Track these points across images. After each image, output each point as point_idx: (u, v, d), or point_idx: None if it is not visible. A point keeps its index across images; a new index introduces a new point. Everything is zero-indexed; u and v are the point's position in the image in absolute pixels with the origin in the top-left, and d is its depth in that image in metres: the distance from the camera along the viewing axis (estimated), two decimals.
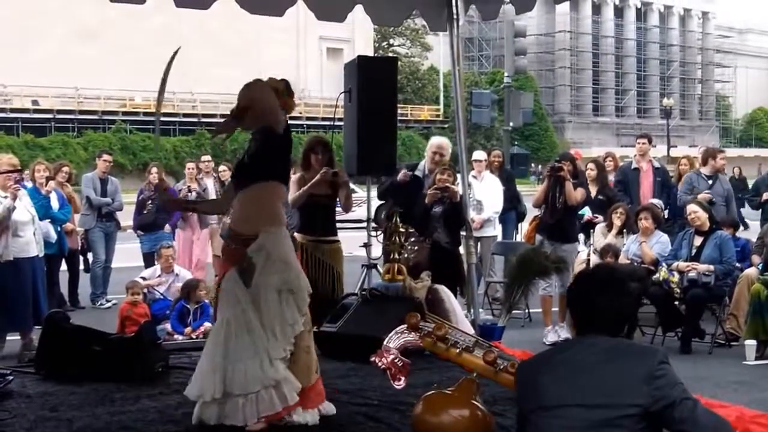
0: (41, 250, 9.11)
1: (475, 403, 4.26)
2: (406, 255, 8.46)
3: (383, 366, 4.46)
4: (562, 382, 3.35)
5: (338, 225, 8.50)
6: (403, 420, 5.41)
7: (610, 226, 10.77)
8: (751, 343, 8.77)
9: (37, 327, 8.54)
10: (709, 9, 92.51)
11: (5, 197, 8.53)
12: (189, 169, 12.92)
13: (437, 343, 4.45)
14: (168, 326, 9.13)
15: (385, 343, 4.53)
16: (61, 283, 11.51)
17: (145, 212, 12.37)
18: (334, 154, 8.30)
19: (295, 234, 8.36)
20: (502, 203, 11.83)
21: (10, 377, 6.63)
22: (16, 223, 8.60)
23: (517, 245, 11.58)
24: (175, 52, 6.02)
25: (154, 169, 12.81)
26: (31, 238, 8.84)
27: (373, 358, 4.50)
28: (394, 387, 4.56)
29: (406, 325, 4.54)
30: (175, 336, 9.02)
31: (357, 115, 8.29)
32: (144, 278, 10.06)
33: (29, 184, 10.02)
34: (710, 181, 11.23)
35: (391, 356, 4.46)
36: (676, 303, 9.29)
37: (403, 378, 4.49)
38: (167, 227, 12.51)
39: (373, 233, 9.05)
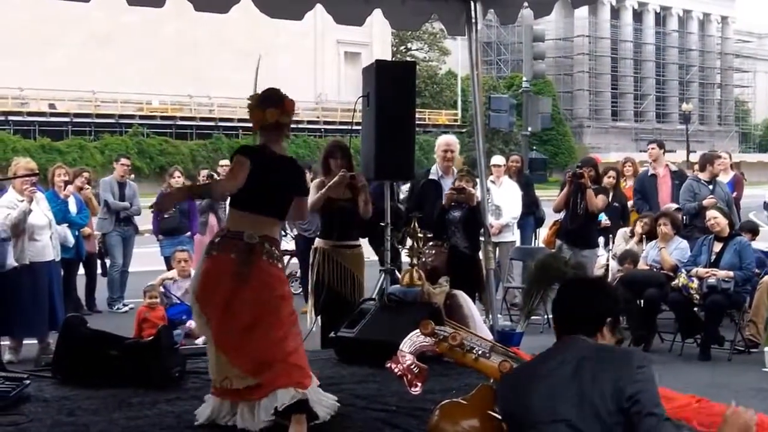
0: (58, 255, 9.14)
1: (492, 412, 4.21)
2: (424, 260, 8.43)
3: (399, 372, 4.42)
4: (551, 397, 3.34)
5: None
6: (421, 426, 5.37)
7: (633, 232, 10.75)
8: None
9: (53, 331, 8.58)
10: (728, 14, 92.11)
11: (21, 201, 8.56)
12: (202, 176, 12.94)
13: (453, 348, 4.41)
14: (189, 324, 9.14)
15: (400, 347, 4.49)
16: (78, 288, 11.54)
17: (167, 217, 12.36)
18: (353, 159, 8.30)
19: (316, 239, 8.37)
20: (520, 208, 11.81)
21: (27, 381, 6.62)
22: (32, 227, 8.64)
23: (536, 250, 11.56)
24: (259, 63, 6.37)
25: (177, 173, 12.81)
26: (47, 243, 8.87)
27: (388, 364, 4.46)
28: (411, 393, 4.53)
29: (419, 330, 4.51)
30: (197, 336, 9.04)
31: (375, 120, 8.26)
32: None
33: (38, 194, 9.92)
34: (710, 186, 11.13)
35: (407, 362, 4.41)
36: (696, 309, 9.24)
37: (419, 384, 4.45)
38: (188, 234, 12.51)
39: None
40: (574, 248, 9.78)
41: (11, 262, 8.44)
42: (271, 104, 5.66)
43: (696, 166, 12.18)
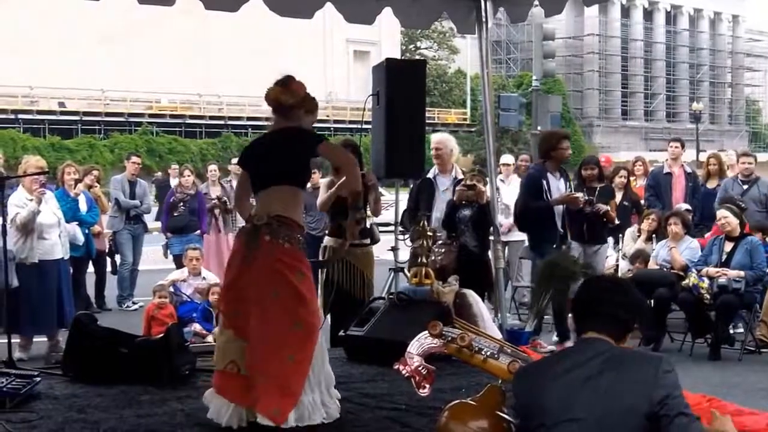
0: (66, 253, 9.15)
1: (500, 413, 4.21)
2: (433, 258, 8.42)
3: (407, 374, 4.43)
4: (565, 394, 3.30)
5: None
6: (431, 425, 5.37)
7: (640, 231, 10.71)
8: None
9: (62, 329, 8.61)
10: (739, 12, 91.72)
11: (30, 200, 8.57)
12: (211, 171, 12.93)
13: (462, 350, 4.41)
14: (194, 327, 9.15)
15: (408, 349, 4.49)
16: (87, 285, 11.56)
17: (176, 215, 12.38)
18: (363, 158, 8.30)
19: (326, 237, 8.36)
20: None
21: (38, 379, 6.64)
22: (41, 225, 8.65)
23: None
24: None
25: (186, 172, 12.81)
26: (56, 241, 8.88)
27: (396, 366, 4.47)
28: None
29: (427, 332, 4.50)
30: (204, 334, 9.06)
31: (385, 118, 8.25)
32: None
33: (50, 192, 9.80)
34: (745, 186, 11.07)
35: (415, 363, 4.42)
36: (706, 309, 9.20)
37: (428, 386, 4.45)
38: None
39: (401, 237, 9.02)
40: (583, 245, 9.76)
41: (16, 282, 8.45)
42: (276, 84, 5.65)
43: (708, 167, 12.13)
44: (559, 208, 9.28)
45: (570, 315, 3.78)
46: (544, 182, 9.12)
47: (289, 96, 5.59)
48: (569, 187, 9.52)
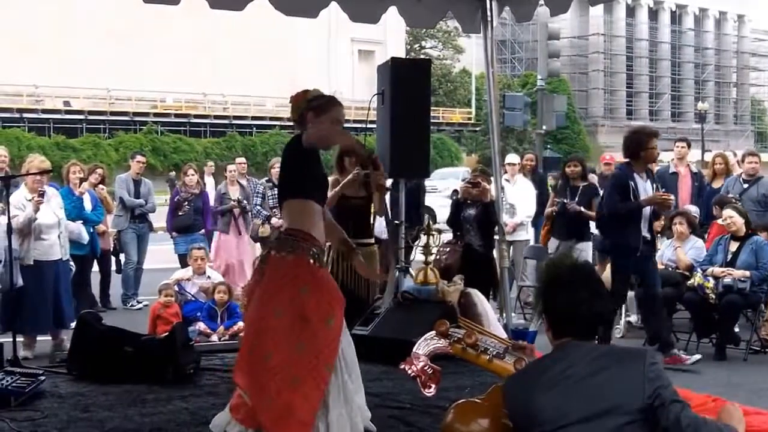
0: (66, 254, 9.08)
1: (506, 410, 4.21)
2: (437, 257, 8.43)
3: (413, 374, 4.43)
4: (560, 400, 3.29)
5: None
6: (435, 424, 5.37)
7: None
8: None
9: (63, 329, 8.62)
10: (744, 12, 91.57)
11: (30, 200, 8.53)
12: (230, 172, 12.94)
13: (467, 350, 4.40)
14: (199, 326, 9.15)
15: (414, 350, 4.49)
16: (92, 284, 11.56)
17: (181, 214, 12.39)
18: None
19: None
20: (534, 207, 11.78)
21: (43, 377, 6.65)
22: (40, 226, 8.60)
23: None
24: None
25: (191, 171, 12.81)
26: (55, 241, 8.81)
27: (402, 366, 4.47)
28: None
29: (434, 332, 4.50)
30: (209, 333, 9.07)
31: (390, 118, 8.25)
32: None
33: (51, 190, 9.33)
34: (746, 185, 11.04)
35: (421, 363, 4.42)
36: (711, 309, 9.19)
37: (433, 385, 4.46)
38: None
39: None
40: (564, 241, 9.78)
41: (21, 281, 8.44)
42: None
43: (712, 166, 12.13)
44: (645, 212, 8.60)
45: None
46: (632, 183, 8.46)
47: (291, 111, 5.52)
48: (656, 188, 8.86)
